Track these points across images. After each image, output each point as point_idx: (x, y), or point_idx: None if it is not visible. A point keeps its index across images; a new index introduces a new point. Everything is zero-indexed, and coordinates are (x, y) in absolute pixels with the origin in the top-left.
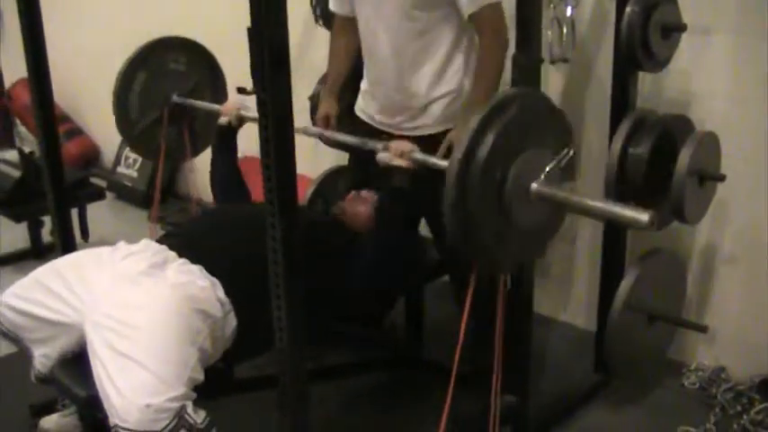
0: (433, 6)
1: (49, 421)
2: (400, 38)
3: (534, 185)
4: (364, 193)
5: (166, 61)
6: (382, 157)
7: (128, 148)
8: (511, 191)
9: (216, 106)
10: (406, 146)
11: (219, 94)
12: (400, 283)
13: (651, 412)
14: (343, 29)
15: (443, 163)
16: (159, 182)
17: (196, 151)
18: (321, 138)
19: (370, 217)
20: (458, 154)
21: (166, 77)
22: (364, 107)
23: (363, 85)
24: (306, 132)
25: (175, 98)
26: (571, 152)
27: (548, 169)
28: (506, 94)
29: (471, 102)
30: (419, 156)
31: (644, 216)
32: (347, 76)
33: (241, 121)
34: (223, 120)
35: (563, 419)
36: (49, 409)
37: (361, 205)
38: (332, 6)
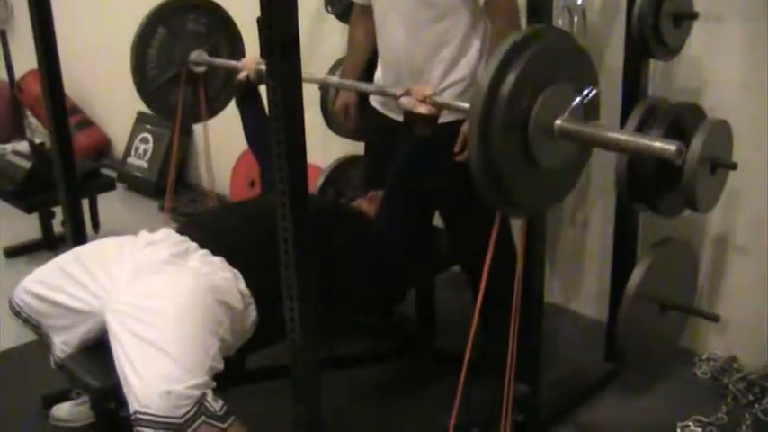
0: None
1: (61, 410)
2: (416, 24)
3: (558, 122)
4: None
5: (186, 20)
6: (405, 101)
7: (138, 139)
8: (535, 127)
9: (235, 62)
10: (427, 89)
11: (237, 55)
12: (401, 268)
13: (662, 402)
14: (361, 18)
15: (466, 105)
16: (176, 147)
17: (212, 112)
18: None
19: None
20: (481, 91)
21: (185, 36)
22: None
23: (377, 73)
24: (324, 82)
25: (194, 56)
26: (595, 90)
27: (572, 105)
28: (528, 30)
29: None
30: (441, 99)
31: (671, 146)
32: (365, 66)
33: (260, 76)
34: (242, 75)
35: (574, 408)
36: (61, 399)
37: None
38: None
